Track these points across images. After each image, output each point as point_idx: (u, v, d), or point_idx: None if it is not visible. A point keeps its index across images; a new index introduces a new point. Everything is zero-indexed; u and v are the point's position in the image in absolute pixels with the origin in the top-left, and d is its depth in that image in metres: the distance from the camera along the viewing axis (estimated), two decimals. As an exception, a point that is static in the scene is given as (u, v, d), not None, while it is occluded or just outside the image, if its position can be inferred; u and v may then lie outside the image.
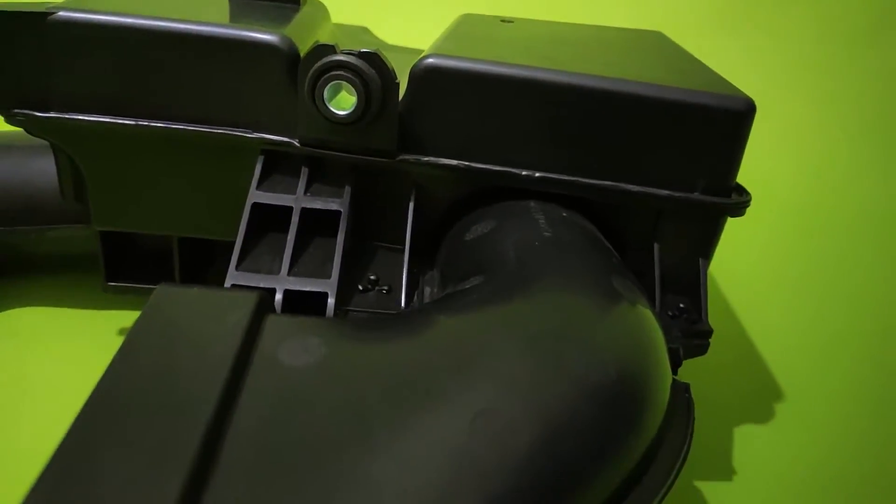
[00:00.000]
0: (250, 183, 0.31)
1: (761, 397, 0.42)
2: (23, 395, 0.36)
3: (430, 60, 0.30)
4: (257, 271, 0.29)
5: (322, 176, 0.32)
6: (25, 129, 0.32)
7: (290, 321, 0.22)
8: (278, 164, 0.32)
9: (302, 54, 0.30)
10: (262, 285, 0.28)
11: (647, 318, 0.24)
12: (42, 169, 0.37)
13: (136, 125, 0.31)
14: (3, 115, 0.31)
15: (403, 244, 0.32)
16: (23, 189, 0.37)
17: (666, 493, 0.20)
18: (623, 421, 0.20)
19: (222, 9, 0.33)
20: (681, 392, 0.25)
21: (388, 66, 0.29)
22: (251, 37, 0.30)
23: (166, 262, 0.37)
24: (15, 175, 0.37)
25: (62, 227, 0.37)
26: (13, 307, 0.41)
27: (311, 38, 0.33)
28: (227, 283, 0.28)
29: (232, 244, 0.30)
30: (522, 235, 0.28)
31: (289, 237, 0.30)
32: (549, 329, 0.21)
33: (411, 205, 0.32)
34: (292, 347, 0.20)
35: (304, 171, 0.31)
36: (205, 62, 0.30)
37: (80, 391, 0.34)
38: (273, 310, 0.22)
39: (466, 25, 0.39)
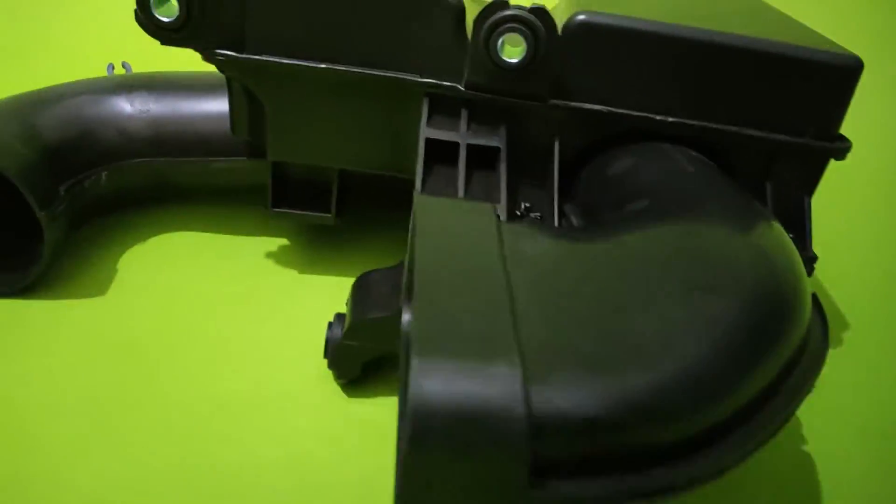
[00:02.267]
0: (408, 122, 0.36)
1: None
2: (177, 306, 0.40)
3: (582, 17, 0.35)
4: (438, 195, 0.34)
5: (478, 117, 0.36)
6: (219, 68, 0.36)
7: (514, 225, 0.27)
8: (440, 106, 0.36)
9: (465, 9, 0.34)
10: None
11: (786, 236, 0.29)
12: (210, 107, 0.42)
13: (320, 68, 0.35)
14: (203, 54, 0.35)
15: (542, 179, 0.37)
16: (194, 124, 0.42)
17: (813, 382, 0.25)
18: (789, 314, 0.25)
19: None
20: (815, 300, 0.30)
21: (552, 20, 0.33)
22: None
23: (318, 193, 0.42)
24: (187, 112, 0.42)
25: (225, 161, 0.42)
26: (170, 231, 0.45)
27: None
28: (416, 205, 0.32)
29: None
30: (671, 169, 0.33)
31: (459, 167, 0.35)
32: (725, 241, 0.26)
33: (556, 144, 0.37)
34: (528, 242, 0.25)
35: (464, 112, 0.36)
36: (385, 13, 0.35)
37: (227, 303, 0.39)
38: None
39: None
